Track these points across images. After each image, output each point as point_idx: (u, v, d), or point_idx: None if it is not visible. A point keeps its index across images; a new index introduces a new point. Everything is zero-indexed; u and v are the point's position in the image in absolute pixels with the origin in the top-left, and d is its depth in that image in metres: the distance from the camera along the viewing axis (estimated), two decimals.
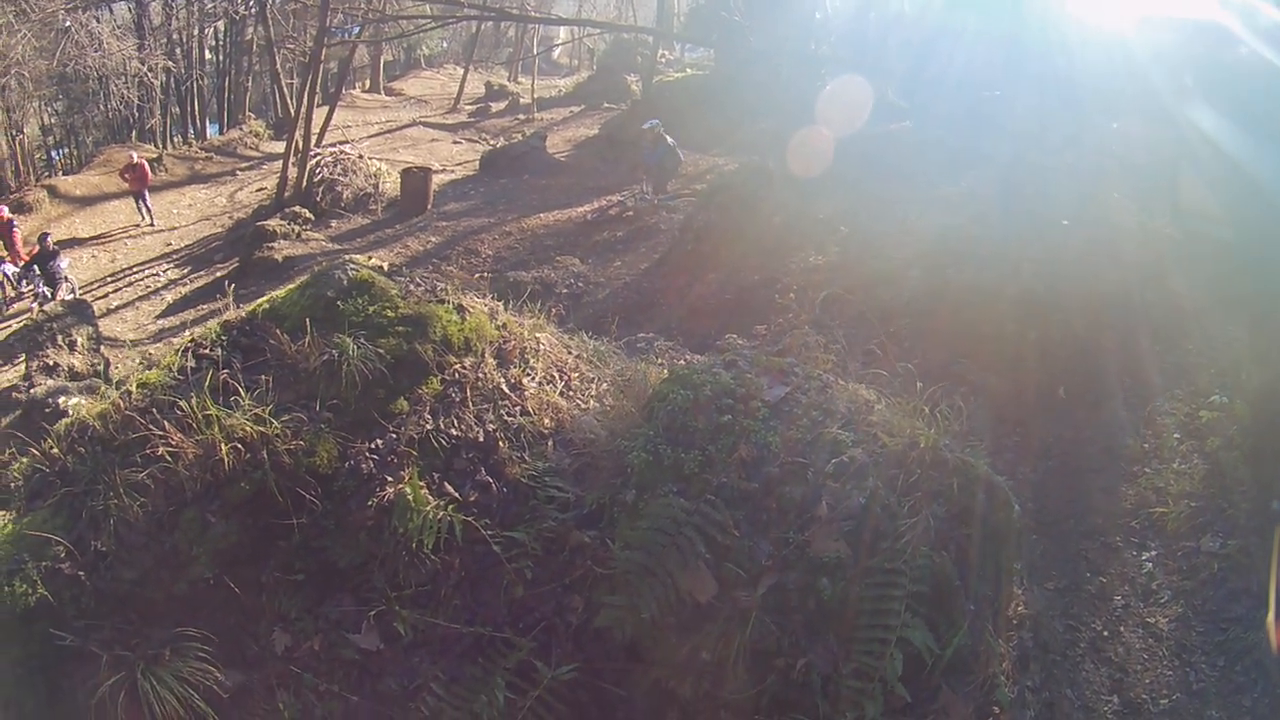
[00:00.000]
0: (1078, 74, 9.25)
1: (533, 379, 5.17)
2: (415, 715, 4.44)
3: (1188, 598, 6.10)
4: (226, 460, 4.54)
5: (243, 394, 4.67)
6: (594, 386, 5.31)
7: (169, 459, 4.66)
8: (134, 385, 5.10)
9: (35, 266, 15.99)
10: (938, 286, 8.99)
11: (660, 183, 16.51)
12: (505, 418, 4.92)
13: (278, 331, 4.86)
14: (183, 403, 4.75)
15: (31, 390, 12.15)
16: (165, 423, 4.69)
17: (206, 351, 5.00)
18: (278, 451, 4.53)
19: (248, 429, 4.54)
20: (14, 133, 22.27)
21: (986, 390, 7.33)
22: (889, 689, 3.97)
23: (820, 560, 4.09)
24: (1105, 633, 6.11)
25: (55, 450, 5.06)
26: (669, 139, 16.40)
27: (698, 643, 4.11)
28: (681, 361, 5.54)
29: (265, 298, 5.38)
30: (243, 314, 5.15)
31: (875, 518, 4.19)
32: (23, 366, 13.63)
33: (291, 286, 5.30)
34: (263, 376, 4.75)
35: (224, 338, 5.05)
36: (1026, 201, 9.03)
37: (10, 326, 15.72)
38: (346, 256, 5.33)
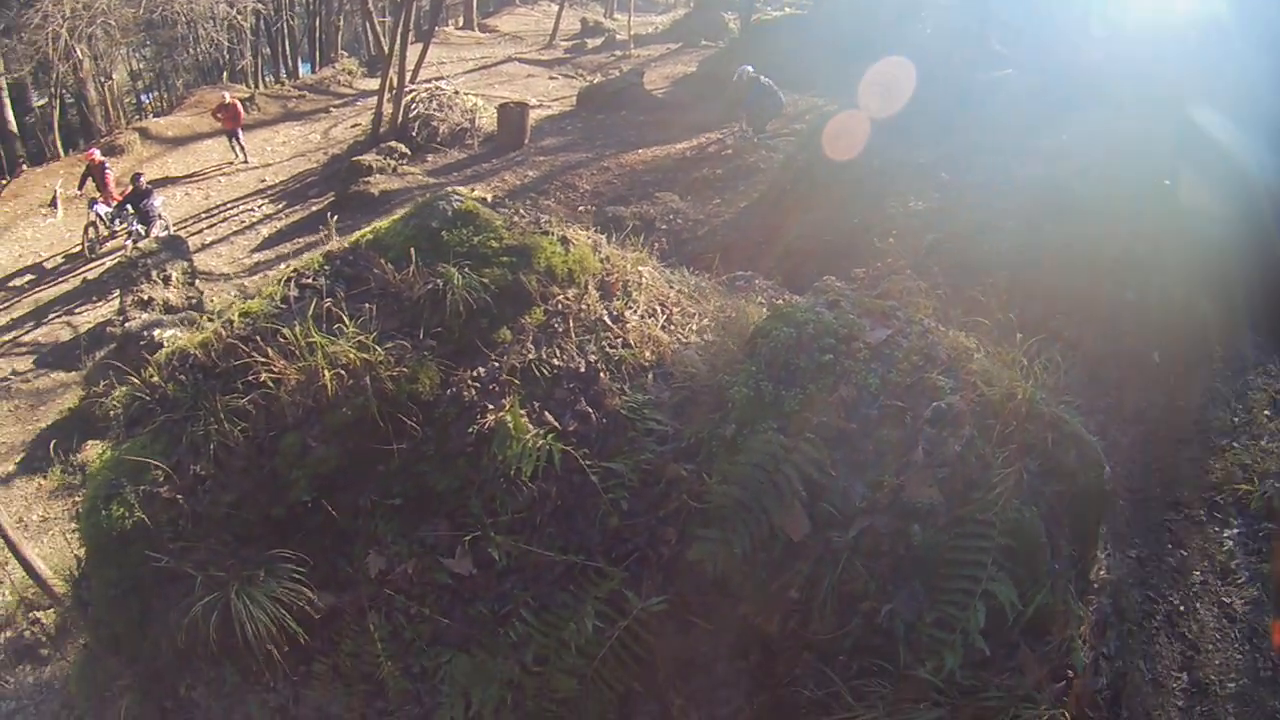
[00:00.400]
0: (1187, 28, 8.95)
1: (634, 312, 5.18)
2: (504, 640, 4.53)
3: (1264, 581, 6.01)
4: (329, 386, 4.65)
5: (346, 322, 4.77)
6: (694, 321, 5.31)
7: (271, 385, 4.80)
8: (235, 314, 5.23)
9: (129, 206, 16.30)
10: (1037, 240, 8.77)
11: (760, 123, 16.28)
12: (607, 349, 4.95)
13: (381, 261, 4.95)
14: (286, 330, 4.87)
15: (126, 324, 12.53)
16: (268, 349, 4.83)
17: (310, 281, 5.12)
18: (380, 378, 4.63)
19: (351, 355, 4.65)
20: (102, 79, 22.65)
21: (1081, 349, 7.19)
22: (969, 641, 3.94)
23: (913, 506, 4.07)
24: (1181, 608, 6.05)
25: (155, 378, 5.22)
26: (765, 80, 16.14)
27: (787, 580, 4.13)
28: (782, 300, 5.50)
29: (369, 228, 5.46)
30: (346, 244, 5.25)
31: (970, 467, 4.15)
32: (117, 302, 14.04)
33: (394, 217, 5.37)
34: (366, 305, 4.85)
35: (327, 267, 5.16)
36: (1129, 158, 8.74)
37: (104, 264, 16.16)
38: (450, 188, 5.38)
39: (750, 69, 16.69)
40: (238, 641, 4.47)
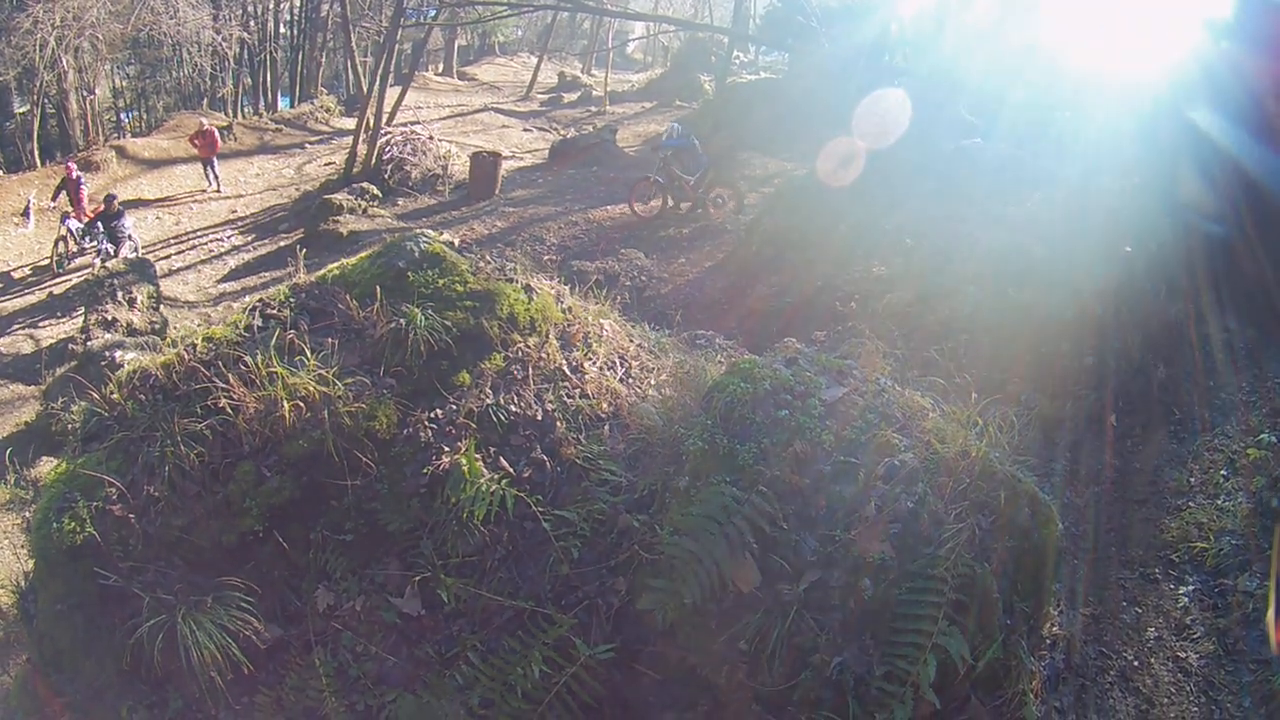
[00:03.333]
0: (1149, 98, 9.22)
1: (594, 363, 5.23)
2: (450, 682, 4.50)
3: (1220, 635, 6.04)
4: (288, 417, 4.64)
5: (308, 355, 4.77)
6: (653, 376, 5.36)
7: (230, 412, 4.77)
8: (199, 338, 5.22)
9: (99, 224, 16.21)
10: (997, 304, 8.91)
11: (673, 178, 15.90)
12: (565, 398, 4.99)
13: (346, 297, 4.96)
14: (248, 358, 4.86)
15: (89, 343, 12.37)
16: (230, 376, 4.80)
17: (274, 312, 5.11)
18: (339, 413, 4.62)
19: (311, 388, 4.64)
20: (85, 93, 22.45)
21: (1038, 410, 7.29)
22: (919, 695, 3.96)
23: (864, 560, 4.11)
24: (1136, 662, 6.05)
25: (116, 396, 5.18)
26: (689, 139, 16.10)
27: (736, 632, 4.14)
28: (741, 358, 5.58)
29: (336, 265, 5.48)
30: (313, 278, 5.26)
31: (922, 523, 4.19)
32: (81, 319, 13.86)
33: (363, 255, 5.40)
34: (329, 340, 4.85)
35: (292, 300, 5.16)
36: (1092, 224, 8.96)
37: (71, 281, 16.00)
38: (419, 230, 5.42)
39: (678, 126, 16.73)
40: (182, 666, 4.42)
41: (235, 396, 4.75)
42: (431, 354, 4.83)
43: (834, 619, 4.10)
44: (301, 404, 4.64)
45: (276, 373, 4.69)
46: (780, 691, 4.09)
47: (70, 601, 4.77)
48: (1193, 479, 7.38)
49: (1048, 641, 5.22)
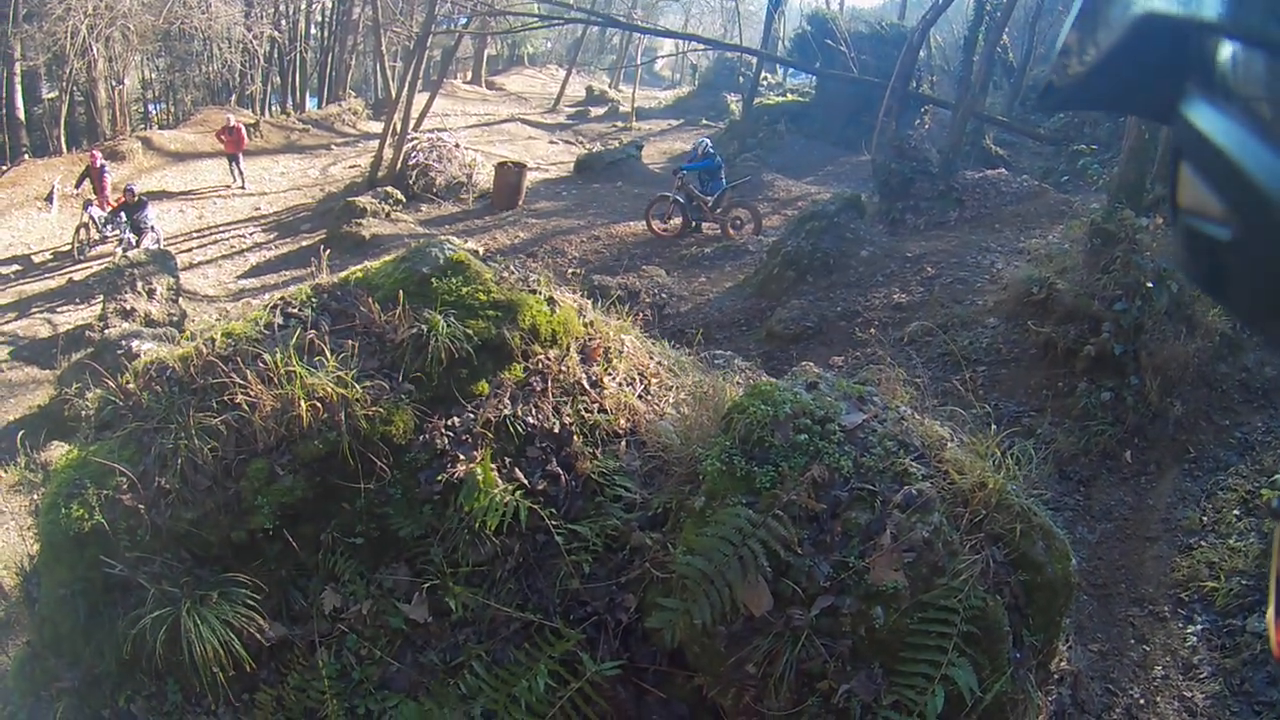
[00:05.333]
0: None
1: (613, 379, 5.21)
2: (453, 691, 4.48)
3: (1227, 676, 6.02)
4: (304, 417, 4.62)
5: (328, 355, 4.76)
6: (672, 394, 5.33)
7: (246, 408, 4.76)
8: (218, 333, 5.22)
9: (122, 214, 16.33)
10: (1016, 337, 8.97)
11: (690, 196, 15.92)
12: (583, 413, 4.97)
13: (369, 300, 4.95)
14: (267, 356, 4.85)
15: (106, 331, 12.44)
16: (248, 372, 4.80)
17: (295, 311, 5.11)
18: (355, 415, 4.61)
19: (329, 389, 4.63)
20: (114, 83, 22.71)
21: (1054, 445, 7.29)
22: None
23: (877, 588, 4.07)
24: (1142, 701, 6.03)
25: (131, 386, 5.19)
26: (716, 158, 16.08)
27: (745, 655, 4.11)
28: (760, 380, 5.55)
29: (359, 267, 5.47)
30: (335, 279, 5.25)
31: (936, 553, 4.16)
32: (100, 307, 13.96)
33: (387, 259, 5.39)
34: (349, 342, 4.84)
35: (314, 300, 5.16)
36: (1114, 257, 8.97)
37: (91, 268, 16.18)
38: (443, 236, 5.43)
39: (708, 141, 16.73)
40: (183, 659, 4.40)
41: (252, 393, 4.74)
42: (451, 362, 4.81)
43: (844, 646, 4.07)
44: (319, 404, 4.63)
45: (295, 372, 4.68)
46: (786, 716, 4.04)
47: (74, 588, 4.76)
48: (1205, 518, 7.40)
49: (1056, 676, 5.17)
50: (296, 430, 4.66)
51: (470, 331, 4.84)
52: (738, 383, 5.24)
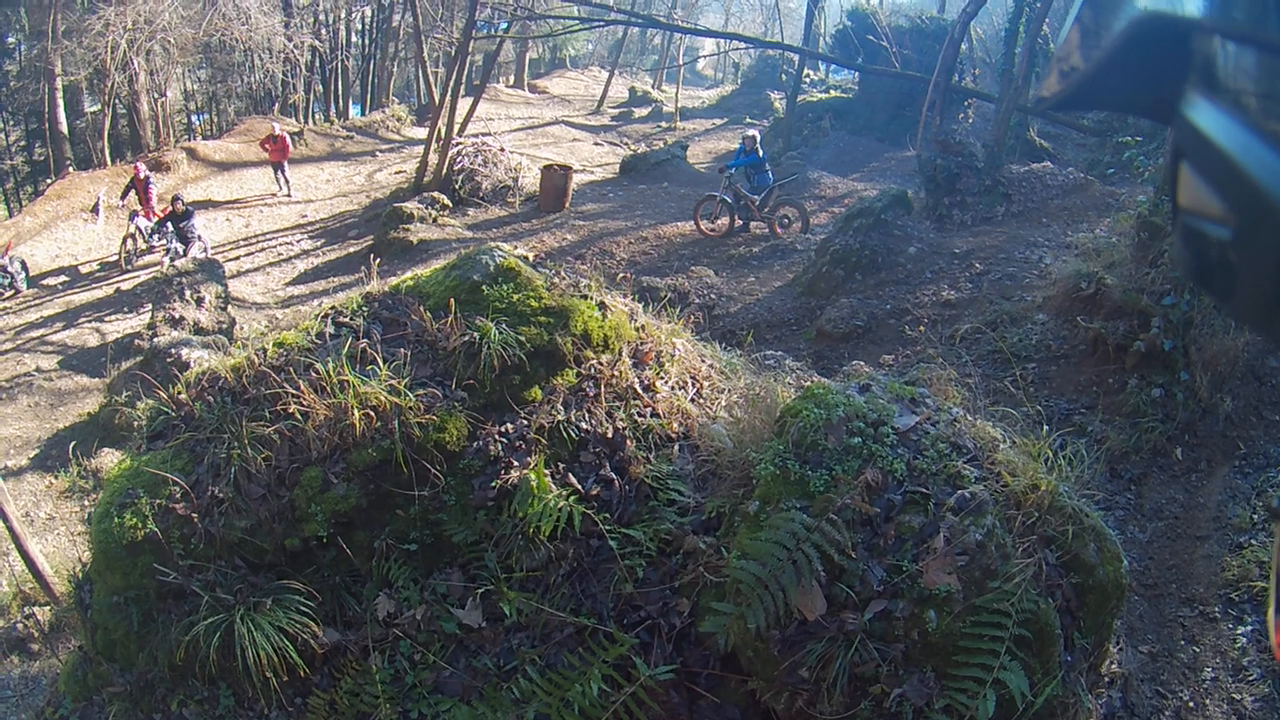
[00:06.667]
0: None
1: (666, 382, 5.21)
2: (506, 695, 4.50)
3: (1276, 679, 5.91)
4: (358, 425, 4.68)
5: (380, 364, 4.81)
6: (724, 397, 5.32)
7: (299, 417, 4.82)
8: (270, 343, 5.29)
9: (169, 224, 16.58)
10: (1066, 333, 8.84)
11: (744, 203, 15.86)
12: (635, 417, 4.97)
13: (420, 308, 5.00)
14: (319, 365, 4.91)
15: (155, 339, 12.66)
16: (300, 382, 4.87)
17: (346, 320, 5.18)
18: (409, 423, 4.65)
19: (382, 398, 4.68)
20: (156, 95, 23.11)
21: (1105, 443, 7.17)
22: None
23: (930, 592, 4.05)
24: (1191, 703, 5.93)
25: (184, 396, 5.27)
26: (760, 152, 15.96)
27: (799, 659, 4.10)
28: (810, 382, 5.53)
29: (409, 275, 5.53)
30: (386, 288, 5.31)
31: (989, 556, 4.12)
32: (148, 316, 14.20)
33: (437, 266, 5.42)
34: (400, 350, 4.89)
35: (365, 309, 5.22)
36: (1167, 251, 8.82)
37: (139, 278, 16.45)
38: (493, 243, 5.47)
39: (757, 134, 16.59)
40: (237, 665, 4.47)
41: (305, 403, 4.80)
42: (504, 368, 4.84)
43: (897, 650, 4.04)
44: (372, 413, 4.69)
45: (348, 380, 4.74)
46: None
47: (127, 595, 4.85)
48: (1256, 516, 7.25)
49: (1106, 679, 5.10)
50: (350, 439, 4.72)
51: (522, 338, 4.87)
52: (789, 384, 5.23)
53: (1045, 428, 4.68)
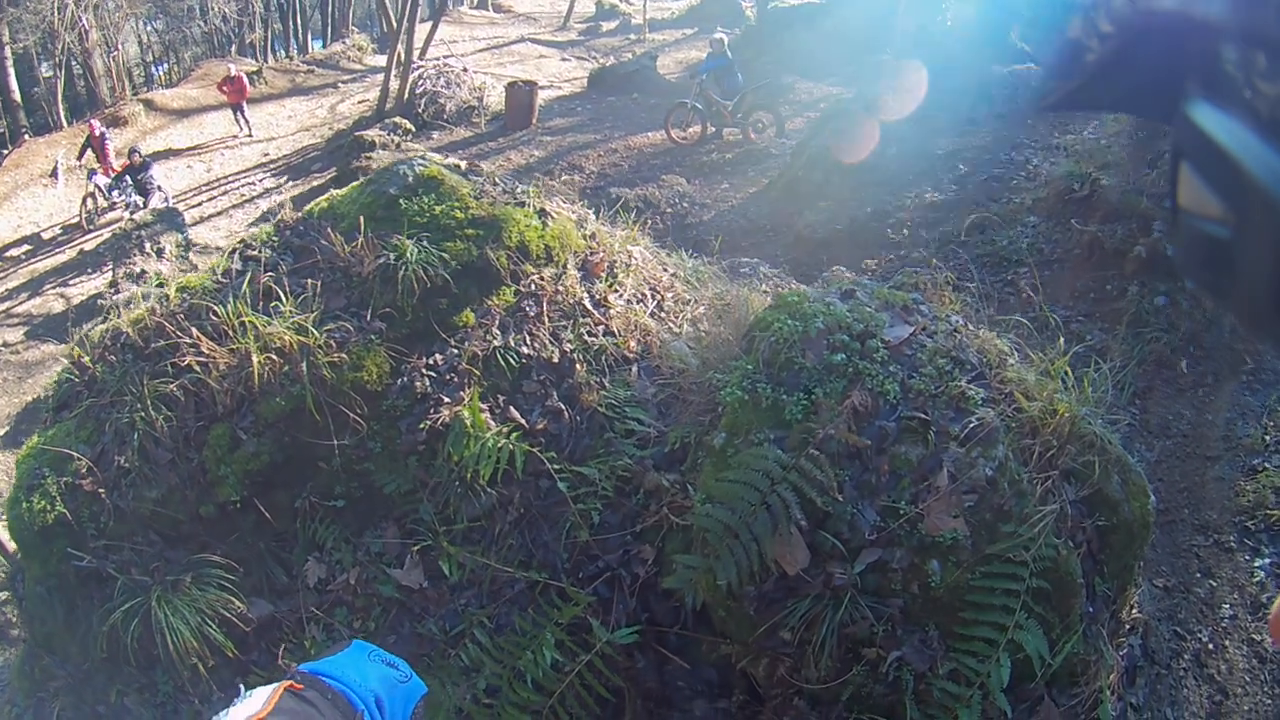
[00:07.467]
0: None
1: (620, 296, 4.62)
2: (455, 664, 4.02)
3: None
4: (259, 372, 4.11)
5: (285, 299, 4.19)
6: (690, 309, 4.73)
7: (199, 370, 4.27)
8: (173, 289, 4.70)
9: (127, 178, 16.16)
10: (1059, 236, 8.35)
11: (716, 109, 15.33)
12: (586, 337, 4.39)
13: (330, 232, 4.35)
14: (218, 308, 4.32)
15: (117, 296, 12.25)
16: (194, 329, 4.30)
17: (254, 253, 4.55)
18: (319, 363, 4.07)
19: (286, 338, 4.10)
20: (109, 50, 22.55)
21: (1106, 354, 6.63)
22: (988, 698, 3.32)
23: (933, 539, 3.43)
24: (1210, 645, 5.50)
25: (86, 359, 4.75)
26: (731, 57, 15.45)
27: (779, 620, 3.50)
28: (787, 289, 4.87)
29: (324, 196, 4.88)
30: (299, 214, 4.66)
31: (1002, 495, 3.50)
32: (110, 274, 13.85)
33: (354, 184, 4.79)
34: (309, 281, 4.27)
35: (275, 239, 4.60)
36: (1159, 152, 8.20)
37: (101, 236, 16.10)
38: (419, 151, 4.80)
39: (724, 37, 16.11)
40: (159, 653, 4.08)
41: (204, 352, 4.23)
42: (427, 292, 4.24)
43: (893, 607, 3.45)
44: (275, 356, 4.09)
45: (248, 322, 4.12)
46: (828, 688, 3.47)
47: (49, 584, 4.47)
48: (1268, 436, 6.84)
49: (1127, 627, 4.55)
50: (254, 388, 4.18)
51: (446, 255, 4.27)
52: (764, 291, 4.59)
53: (1061, 341, 4.04)
